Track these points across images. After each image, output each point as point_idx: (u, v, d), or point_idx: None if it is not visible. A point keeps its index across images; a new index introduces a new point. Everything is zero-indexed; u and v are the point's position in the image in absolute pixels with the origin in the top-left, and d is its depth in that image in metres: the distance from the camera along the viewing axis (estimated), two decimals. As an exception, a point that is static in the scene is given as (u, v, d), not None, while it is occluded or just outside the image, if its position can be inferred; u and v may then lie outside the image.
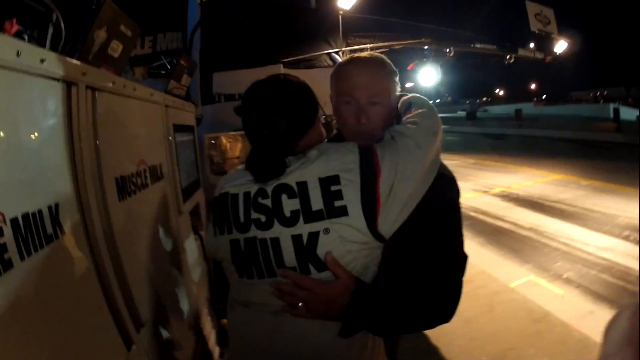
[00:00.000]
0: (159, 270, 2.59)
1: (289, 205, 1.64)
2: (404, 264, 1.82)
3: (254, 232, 1.70)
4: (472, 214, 12.05)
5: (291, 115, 1.75)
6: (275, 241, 1.66)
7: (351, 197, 1.59)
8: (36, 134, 1.51)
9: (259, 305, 1.81)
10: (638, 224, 9.96)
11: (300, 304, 1.63)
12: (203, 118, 6.03)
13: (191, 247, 3.61)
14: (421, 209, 1.75)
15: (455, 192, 2.03)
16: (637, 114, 46.43)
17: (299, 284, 1.63)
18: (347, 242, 1.61)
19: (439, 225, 1.87)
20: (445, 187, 1.96)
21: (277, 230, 1.65)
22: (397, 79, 2.12)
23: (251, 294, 1.83)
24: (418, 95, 2.11)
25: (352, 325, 1.71)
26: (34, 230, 1.37)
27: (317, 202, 1.60)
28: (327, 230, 1.59)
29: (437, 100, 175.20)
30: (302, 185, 1.63)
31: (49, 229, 1.47)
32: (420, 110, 1.93)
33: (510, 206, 12.91)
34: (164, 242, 2.80)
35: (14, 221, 1.27)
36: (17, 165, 1.35)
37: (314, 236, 1.60)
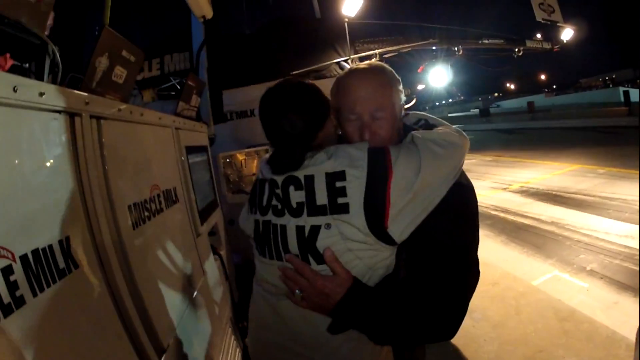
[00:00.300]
0: (179, 295, 2.59)
1: (296, 197, 1.71)
2: (413, 272, 1.81)
3: (270, 216, 1.82)
4: (493, 212, 11.95)
5: (307, 112, 1.81)
6: (283, 228, 1.75)
7: (354, 194, 1.61)
8: (42, 168, 1.50)
9: (269, 285, 1.92)
10: (639, 208, 9.87)
11: (297, 290, 1.71)
12: (216, 137, 6.03)
13: (211, 268, 3.59)
14: (439, 217, 1.74)
15: (474, 202, 1.97)
16: (640, 93, 46.11)
17: (299, 272, 1.70)
18: (347, 239, 1.64)
19: (454, 236, 1.81)
20: (464, 196, 1.91)
21: (286, 218, 1.74)
22: (400, 86, 2.09)
23: (265, 273, 1.95)
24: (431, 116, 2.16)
25: (340, 322, 1.73)
26: (44, 265, 1.37)
27: (321, 197, 1.65)
28: (328, 226, 1.63)
29: (450, 100, 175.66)
30: (309, 179, 1.69)
31: (61, 264, 1.46)
32: (444, 125, 1.99)
33: (530, 201, 12.77)
34: (183, 266, 2.80)
35: (24, 258, 1.26)
36: (23, 201, 1.34)
37: (315, 229, 1.65)
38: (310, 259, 1.70)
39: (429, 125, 2.08)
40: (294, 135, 1.79)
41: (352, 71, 2.14)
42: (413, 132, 1.83)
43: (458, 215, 1.83)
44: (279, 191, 1.78)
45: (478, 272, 1.87)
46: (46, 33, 2.63)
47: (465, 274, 1.81)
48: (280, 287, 1.85)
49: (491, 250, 8.90)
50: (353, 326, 1.75)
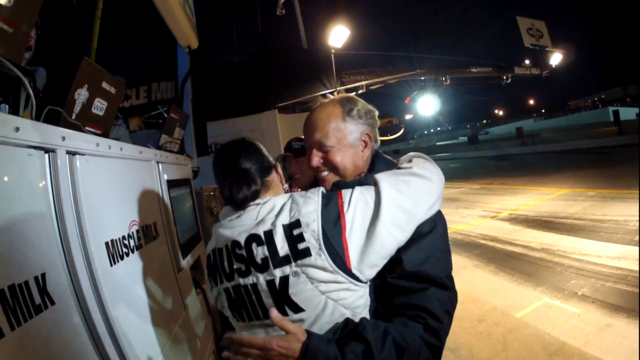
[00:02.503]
0: (159, 331, 2.57)
1: (259, 252, 1.69)
2: (382, 311, 1.81)
3: (237, 279, 1.78)
4: (482, 241, 11.95)
5: (251, 158, 1.91)
6: (254, 286, 1.73)
7: (311, 238, 1.62)
8: (16, 204, 1.51)
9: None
10: (639, 228, 9.89)
11: None
12: (200, 170, 6.02)
13: (193, 302, 3.58)
14: (408, 248, 1.75)
15: (442, 226, 1.95)
16: (637, 111, 46.52)
17: (249, 345, 1.63)
18: (316, 282, 1.63)
19: (429, 264, 1.79)
20: (433, 222, 1.89)
21: (254, 276, 1.71)
22: (359, 121, 2.12)
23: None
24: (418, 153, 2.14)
25: None
26: (21, 301, 1.38)
27: (283, 248, 1.65)
28: (295, 273, 1.63)
29: (438, 128, 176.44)
30: (269, 234, 1.68)
31: (37, 300, 1.47)
32: (417, 163, 1.97)
33: (520, 228, 12.79)
34: (163, 301, 2.79)
35: (1, 293, 1.29)
36: (-4, 239, 1.34)
37: (284, 280, 1.65)
38: (287, 309, 1.69)
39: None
40: (240, 176, 1.83)
41: (315, 106, 2.23)
42: (375, 175, 1.84)
43: (428, 243, 1.82)
44: (241, 252, 1.76)
45: (456, 293, 1.86)
46: (27, 57, 2.65)
47: (445, 298, 1.79)
48: None
49: (480, 280, 8.86)
50: None
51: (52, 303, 1.56)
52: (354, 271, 1.64)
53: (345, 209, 1.68)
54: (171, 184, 3.56)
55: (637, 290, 7.05)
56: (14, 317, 1.32)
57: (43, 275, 1.54)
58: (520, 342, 5.90)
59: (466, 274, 9.28)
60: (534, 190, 19.71)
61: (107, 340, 1.89)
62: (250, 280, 1.73)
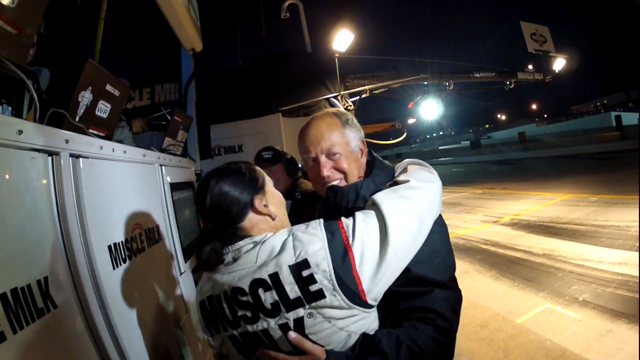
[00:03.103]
0: (160, 333, 2.58)
1: (268, 298, 1.63)
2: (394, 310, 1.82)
3: (244, 327, 1.71)
4: (484, 246, 11.92)
5: (216, 211, 1.77)
6: (266, 332, 1.66)
7: (323, 279, 1.57)
8: (19, 208, 1.52)
9: None
10: (639, 233, 9.87)
11: None
12: (203, 172, 6.00)
13: (195, 306, 3.53)
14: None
15: (443, 231, 1.98)
16: (639, 116, 46.34)
17: (273, 358, 1.64)
18: (334, 320, 1.61)
19: (433, 270, 1.82)
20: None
21: (263, 322, 1.66)
22: (355, 129, 2.17)
23: None
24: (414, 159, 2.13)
25: None
26: (24, 304, 1.38)
27: (293, 291, 1.59)
28: (310, 315, 1.59)
29: (441, 133, 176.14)
30: (275, 277, 1.62)
31: (40, 303, 1.48)
32: (413, 172, 1.95)
33: (522, 234, 12.72)
34: (165, 304, 2.79)
35: (3, 296, 1.29)
36: (0, 241, 1.36)
37: (299, 321, 1.60)
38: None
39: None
40: (220, 205, 1.77)
41: (311, 118, 2.22)
42: (374, 197, 1.82)
43: (429, 248, 1.82)
44: (246, 298, 1.68)
45: (460, 292, 1.91)
46: (31, 54, 2.65)
47: (452, 299, 1.83)
48: None
49: (482, 285, 8.85)
50: None
51: (55, 306, 1.57)
52: (370, 301, 1.63)
53: (350, 241, 1.64)
54: (174, 186, 3.57)
55: (638, 296, 7.05)
56: (16, 321, 1.33)
57: (45, 278, 1.55)
58: (522, 348, 5.87)
59: (468, 279, 9.30)
60: (536, 195, 19.65)
61: (109, 342, 1.89)
62: (259, 326, 1.67)
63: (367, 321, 1.69)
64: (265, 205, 1.82)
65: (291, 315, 1.59)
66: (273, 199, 1.89)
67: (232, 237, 1.74)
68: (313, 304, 1.56)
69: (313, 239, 1.63)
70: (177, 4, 4.43)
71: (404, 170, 2.00)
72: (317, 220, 1.73)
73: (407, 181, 1.85)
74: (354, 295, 1.58)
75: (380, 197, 1.78)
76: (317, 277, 1.55)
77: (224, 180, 1.80)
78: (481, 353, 5.77)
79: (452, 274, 1.88)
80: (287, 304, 1.58)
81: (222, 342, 1.86)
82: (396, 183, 1.90)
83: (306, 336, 1.59)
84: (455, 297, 1.84)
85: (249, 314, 1.66)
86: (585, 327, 6.25)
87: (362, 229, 1.66)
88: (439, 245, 1.88)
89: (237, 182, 1.81)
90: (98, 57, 4.83)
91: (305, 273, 1.56)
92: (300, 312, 1.57)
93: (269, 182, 1.94)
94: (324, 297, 1.54)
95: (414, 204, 1.75)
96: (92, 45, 4.96)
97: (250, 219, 1.78)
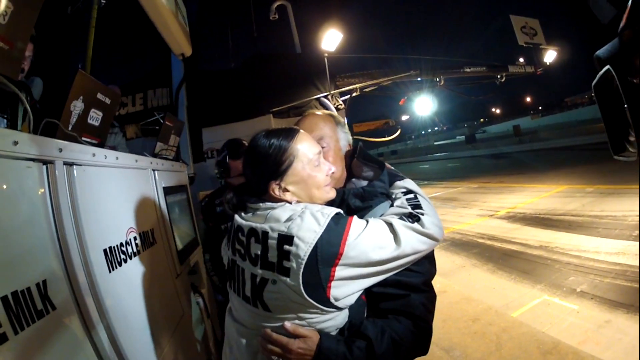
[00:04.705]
0: (157, 335, 2.63)
1: (254, 248, 1.78)
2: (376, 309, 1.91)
3: (237, 257, 1.91)
4: (480, 240, 12.01)
5: (254, 166, 1.94)
6: (243, 271, 1.85)
7: (295, 262, 1.64)
8: (17, 215, 1.57)
9: (235, 312, 2.04)
10: (639, 224, 9.90)
11: (274, 357, 1.76)
12: (197, 175, 6.03)
13: (192, 307, 3.65)
14: None
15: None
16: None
17: (274, 343, 1.75)
18: (291, 293, 1.67)
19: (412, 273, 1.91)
20: None
21: (246, 264, 1.82)
22: (346, 134, 2.31)
23: (233, 301, 2.05)
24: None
25: None
26: (24, 306, 1.44)
27: (272, 255, 1.70)
28: (274, 282, 1.70)
29: (435, 129, 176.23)
30: (265, 235, 1.74)
31: (39, 305, 1.54)
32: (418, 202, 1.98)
33: (518, 227, 12.82)
34: (161, 306, 2.84)
35: (4, 299, 1.35)
36: (0, 247, 1.41)
37: (264, 281, 1.73)
38: (258, 304, 1.78)
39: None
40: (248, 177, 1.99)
41: (306, 114, 2.35)
42: (394, 220, 1.83)
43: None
44: (243, 238, 1.86)
45: (434, 293, 1.99)
46: (26, 68, 2.69)
47: (426, 301, 1.92)
48: (241, 318, 1.96)
49: (478, 279, 8.91)
50: None
51: (54, 308, 1.62)
52: (331, 299, 1.69)
53: (349, 239, 1.70)
54: (167, 190, 3.60)
55: (637, 286, 7.09)
56: (17, 322, 1.38)
57: (44, 282, 1.60)
58: (515, 341, 5.88)
59: (464, 273, 9.37)
60: (532, 188, 19.76)
61: (107, 343, 1.95)
62: (242, 264, 1.85)
63: (327, 321, 1.78)
64: (285, 190, 1.90)
65: (262, 273, 1.73)
66: (297, 181, 1.93)
67: (257, 199, 1.92)
68: (279, 275, 1.67)
69: (312, 224, 1.70)
70: (164, 10, 4.45)
71: (416, 202, 1.99)
72: (334, 210, 1.79)
73: (421, 215, 1.88)
74: (318, 289, 1.66)
75: (398, 223, 1.81)
76: (291, 256, 1.64)
77: (247, 160, 1.97)
78: (473, 347, 5.80)
79: (426, 277, 1.96)
80: (264, 262, 1.73)
81: (224, 256, 2.13)
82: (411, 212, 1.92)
83: (262, 295, 1.74)
84: (429, 299, 1.95)
85: (242, 251, 1.85)
86: (584, 318, 6.33)
87: (366, 236, 1.73)
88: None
89: (259, 165, 1.92)
90: (90, 64, 4.86)
91: (285, 247, 1.67)
92: (269, 274, 1.70)
93: (299, 161, 1.93)
94: (288, 276, 1.65)
95: (419, 247, 1.82)
96: (83, 53, 4.99)
97: (270, 195, 1.90)
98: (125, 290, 2.35)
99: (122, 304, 2.23)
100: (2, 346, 1.30)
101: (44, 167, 1.80)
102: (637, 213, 10.73)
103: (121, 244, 2.39)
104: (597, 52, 1.77)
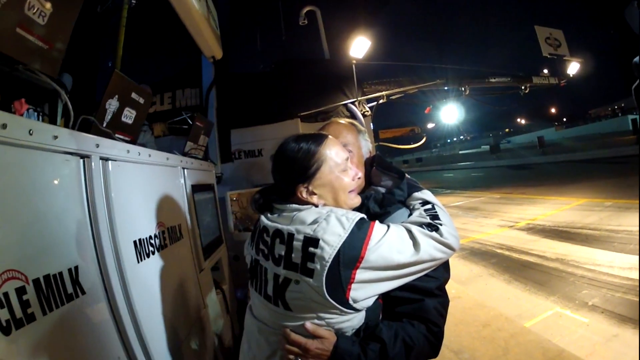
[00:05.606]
0: (178, 325, 2.73)
1: (279, 249, 1.83)
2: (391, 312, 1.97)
3: (260, 257, 1.95)
4: (498, 250, 11.95)
5: (282, 169, 2.00)
6: (266, 271, 1.89)
7: (320, 264, 1.69)
8: (54, 205, 1.68)
9: (255, 310, 2.07)
10: (639, 237, 9.83)
11: (292, 356, 1.81)
12: (224, 176, 6.11)
13: (213, 302, 3.73)
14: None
15: None
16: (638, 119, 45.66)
17: (292, 343, 1.80)
18: (312, 294, 1.73)
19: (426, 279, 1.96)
20: None
21: (269, 264, 1.86)
22: (367, 142, 2.43)
23: (254, 300, 2.08)
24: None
25: None
26: (54, 289, 1.56)
27: (296, 256, 1.75)
28: (297, 282, 1.75)
29: (461, 137, 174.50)
30: (290, 237, 1.80)
31: (69, 289, 1.65)
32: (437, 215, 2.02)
33: (537, 238, 12.70)
34: (184, 298, 2.94)
35: (36, 281, 1.46)
36: (37, 234, 1.54)
37: (287, 281, 1.78)
38: (279, 303, 1.83)
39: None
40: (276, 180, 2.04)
41: (328, 122, 2.45)
42: (413, 228, 1.89)
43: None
44: (268, 239, 1.91)
45: (447, 298, 2.05)
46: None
47: (440, 306, 1.98)
48: (260, 316, 2.00)
49: (494, 288, 8.89)
50: None
51: (83, 292, 1.74)
52: (350, 300, 1.74)
53: (370, 244, 1.75)
54: (195, 188, 3.71)
55: (638, 299, 7.11)
56: (46, 303, 1.49)
57: (76, 267, 1.71)
58: (521, 347, 5.91)
59: (481, 282, 9.36)
60: (553, 200, 19.57)
61: (131, 328, 2.06)
62: (265, 264, 1.90)
63: (344, 322, 1.83)
64: (312, 193, 1.95)
65: (285, 273, 1.78)
66: (324, 184, 1.98)
67: (284, 200, 1.98)
68: (303, 276, 1.72)
69: (337, 228, 1.76)
70: (196, 14, 4.54)
71: (434, 213, 2.04)
72: (358, 215, 1.84)
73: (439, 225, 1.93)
74: (339, 291, 1.71)
75: (417, 230, 1.87)
76: (316, 258, 1.69)
77: (276, 163, 2.02)
78: (482, 350, 5.85)
79: (440, 282, 2.02)
80: (288, 262, 1.77)
81: (247, 255, 2.17)
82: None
83: (284, 295, 1.79)
84: (442, 304, 2.01)
85: (266, 251, 1.89)
86: (593, 331, 6.32)
87: (387, 240, 1.79)
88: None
89: (288, 167, 1.98)
90: (120, 63, 4.95)
91: (311, 249, 1.71)
92: (292, 275, 1.75)
93: (327, 165, 1.99)
94: (311, 277, 1.69)
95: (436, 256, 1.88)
96: (113, 51, 5.09)
97: (297, 198, 1.95)
98: (151, 280, 2.46)
99: (147, 293, 2.34)
100: (29, 326, 1.38)
101: (81, 160, 1.91)
102: (639, 229, 10.66)
103: (150, 237, 2.50)
104: (635, 59, 1.88)
